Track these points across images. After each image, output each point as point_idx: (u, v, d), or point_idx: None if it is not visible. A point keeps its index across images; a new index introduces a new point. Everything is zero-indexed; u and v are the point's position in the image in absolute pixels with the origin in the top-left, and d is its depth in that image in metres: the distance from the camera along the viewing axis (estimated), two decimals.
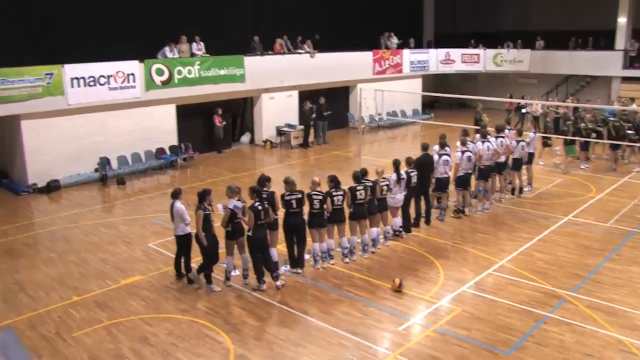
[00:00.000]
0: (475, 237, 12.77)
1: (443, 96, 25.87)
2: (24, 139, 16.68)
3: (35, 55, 17.02)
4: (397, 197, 12.33)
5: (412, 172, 12.60)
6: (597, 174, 17.87)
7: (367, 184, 11.54)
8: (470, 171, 13.88)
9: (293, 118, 23.87)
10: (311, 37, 24.32)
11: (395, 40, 28.07)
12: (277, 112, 23.39)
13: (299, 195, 10.71)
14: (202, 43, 20.56)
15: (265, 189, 10.69)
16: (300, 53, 23.82)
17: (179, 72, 19.46)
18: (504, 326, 9.12)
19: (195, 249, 10.44)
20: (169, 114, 19.88)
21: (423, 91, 29.06)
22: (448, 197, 14.11)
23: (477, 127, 16.10)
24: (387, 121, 27.01)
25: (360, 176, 11.55)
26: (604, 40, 28.17)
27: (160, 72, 19.02)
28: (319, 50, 24.42)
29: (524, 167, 15.64)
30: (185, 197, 10.53)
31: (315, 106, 23.42)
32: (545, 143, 18.92)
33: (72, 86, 16.92)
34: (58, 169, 17.30)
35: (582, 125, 18.21)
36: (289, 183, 10.72)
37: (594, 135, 18.08)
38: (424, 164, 13.08)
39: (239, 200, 10.24)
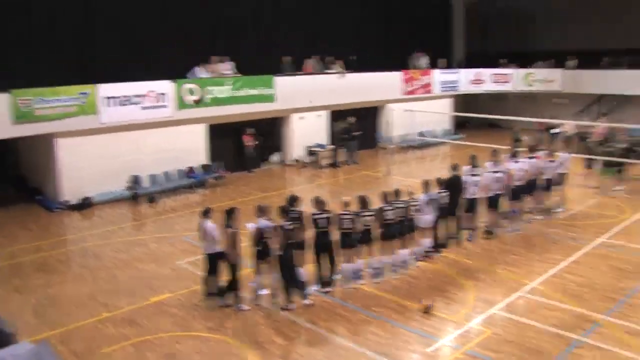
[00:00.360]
0: (506, 258, 12.65)
1: (473, 116, 25.72)
2: (58, 156, 17.03)
3: (69, 75, 17.34)
4: (427, 217, 12.27)
5: (443, 192, 12.55)
6: (632, 195, 17.62)
7: (398, 205, 11.52)
8: (500, 192, 13.75)
9: (323, 138, 24.01)
10: (346, 57, 24.55)
11: (425, 60, 28.13)
12: (307, 131, 23.51)
13: (328, 215, 10.72)
14: (231, 63, 20.94)
15: (294, 208, 10.72)
16: (330, 73, 23.89)
17: (210, 92, 19.73)
18: (534, 349, 8.97)
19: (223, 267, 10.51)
20: (200, 133, 20.06)
21: (453, 111, 29.03)
22: (478, 218, 14.01)
23: (516, 148, 16.03)
24: (417, 141, 26.92)
25: (387, 196, 11.55)
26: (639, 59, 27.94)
27: (191, 92, 19.28)
28: (350, 70, 24.55)
29: (555, 187, 15.50)
30: (214, 216, 10.61)
31: (346, 126, 23.74)
32: (589, 165, 18.59)
33: (106, 105, 17.25)
34: (91, 187, 17.55)
35: (617, 146, 17.94)
36: (318, 202, 10.75)
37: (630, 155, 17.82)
38: (454, 185, 13.02)
39: (268, 219, 10.29)
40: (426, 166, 22.83)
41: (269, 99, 21.33)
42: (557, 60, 29.50)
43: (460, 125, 32.97)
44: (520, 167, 14.16)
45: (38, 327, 9.78)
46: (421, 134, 27.67)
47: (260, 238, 10.15)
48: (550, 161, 15.02)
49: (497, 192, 13.74)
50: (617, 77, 27.90)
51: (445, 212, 12.83)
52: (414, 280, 11.49)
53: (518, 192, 14.19)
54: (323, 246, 10.77)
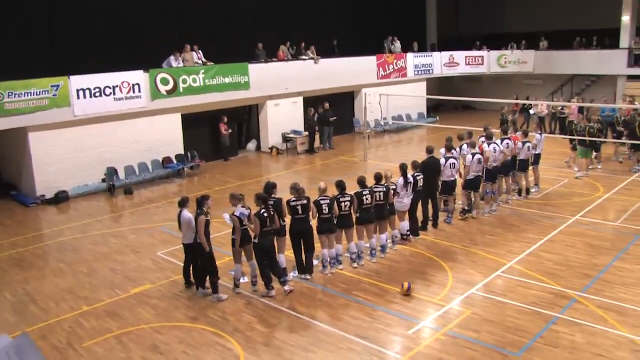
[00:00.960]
0: (483, 239, 12.74)
1: (448, 99, 25.88)
2: (32, 150, 16.72)
3: (41, 68, 17.02)
4: (404, 201, 12.34)
5: (418, 175, 12.60)
6: (605, 173, 17.84)
7: (376, 189, 11.57)
8: (479, 174, 13.90)
9: (298, 124, 23.92)
10: (324, 42, 24.40)
11: (398, 44, 28.05)
12: (283, 118, 23.43)
13: (305, 202, 10.71)
14: (200, 52, 20.30)
15: (271, 195, 10.72)
16: (304, 59, 23.88)
17: (184, 81, 19.45)
18: (513, 328, 9.07)
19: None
20: (175, 122, 19.84)
21: (428, 94, 29.08)
22: (455, 199, 14.10)
23: (504, 129, 16.13)
24: (393, 125, 26.97)
25: (364, 182, 11.59)
26: (608, 39, 28.15)
27: (165, 82, 19.02)
28: (327, 55, 24.56)
29: (530, 168, 15.66)
30: (191, 205, 10.56)
31: (321, 112, 23.43)
32: (574, 147, 18.39)
33: (78, 97, 16.95)
34: (66, 180, 17.31)
35: (589, 124, 18.11)
36: (295, 189, 10.75)
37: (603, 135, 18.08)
38: (430, 167, 13.10)
39: (243, 207, 10.28)
40: (402, 150, 22.84)
41: (244, 86, 21.18)
42: (530, 41, 29.65)
43: (435, 108, 33.07)
44: (495, 148, 14.28)
45: (17, 324, 9.67)
46: (397, 118, 27.78)
47: (239, 226, 10.15)
48: (525, 142, 15.14)
49: (477, 174, 13.82)
50: (588, 57, 28.30)
51: (422, 195, 12.88)
52: (394, 264, 11.49)
53: (494, 174, 14.31)
54: (300, 233, 10.78)
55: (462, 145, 14.42)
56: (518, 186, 15.55)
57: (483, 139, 14.49)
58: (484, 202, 14.40)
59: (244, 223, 10.14)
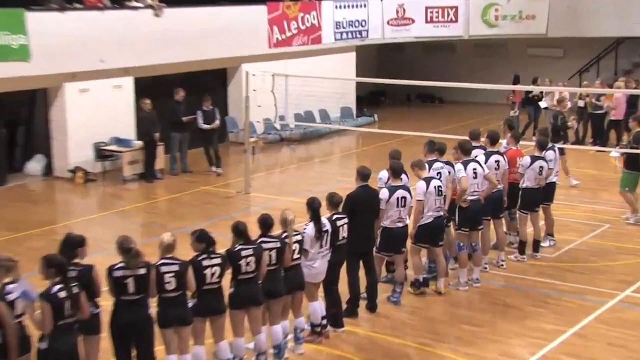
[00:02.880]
0: (457, 332, 12.88)
1: (395, 84, 26.12)
2: None
3: None
4: (317, 265, 12.30)
5: (340, 219, 12.68)
6: None
7: (266, 245, 11.52)
8: (440, 214, 14.09)
9: (126, 128, 23.89)
10: None
11: None
12: (96, 117, 23.33)
13: (142, 272, 10.47)
14: None
15: (74, 260, 10.47)
16: (135, 7, 23.79)
17: None
18: None
19: None
20: None
21: (359, 75, 29.34)
22: (407, 261, 14.31)
23: (515, 137, 16.29)
24: (297, 130, 27.18)
25: (245, 231, 11.44)
26: None
27: None
28: (168, 2, 24.34)
29: (539, 206, 16.07)
30: None
31: (170, 106, 23.47)
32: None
33: None
34: None
35: None
36: (124, 250, 10.43)
37: None
38: (362, 205, 13.15)
39: (16, 282, 9.95)
40: (313, 174, 23.21)
41: (18, 54, 20.76)
42: None
43: (373, 101, 33.47)
44: (475, 169, 14.47)
45: None
46: (304, 117, 27.90)
47: (9, 320, 9.74)
48: (535, 158, 15.54)
49: (437, 215, 14.02)
50: None
51: (349, 253, 12.97)
52: None
53: (473, 215, 14.53)
54: (131, 325, 10.49)
55: (435, 165, 14.60)
56: (518, 237, 15.95)
57: (460, 152, 14.80)
58: (457, 265, 14.66)
59: (21, 313, 9.79)
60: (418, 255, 14.26)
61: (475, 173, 14.48)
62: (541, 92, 25.64)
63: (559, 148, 17.59)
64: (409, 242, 14.20)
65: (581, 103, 25.19)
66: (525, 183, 15.54)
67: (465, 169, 14.39)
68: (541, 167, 15.53)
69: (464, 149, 14.78)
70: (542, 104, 25.73)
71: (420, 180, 13.90)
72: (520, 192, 15.63)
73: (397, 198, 13.54)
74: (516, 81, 26.60)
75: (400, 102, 34.04)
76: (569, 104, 24.36)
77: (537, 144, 15.98)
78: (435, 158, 14.65)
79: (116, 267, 10.58)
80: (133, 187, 22.44)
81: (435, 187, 13.89)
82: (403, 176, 13.95)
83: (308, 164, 24.96)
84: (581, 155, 21.74)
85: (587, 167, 22.15)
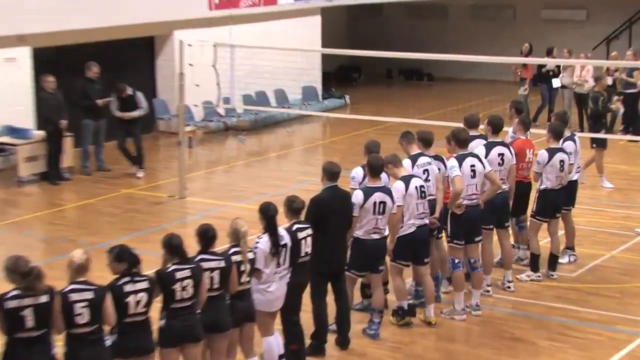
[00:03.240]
0: None
1: (371, 56, 25.99)
2: None
3: None
4: (273, 288, 12.09)
5: (302, 229, 12.49)
6: None
7: (207, 264, 11.27)
8: (425, 221, 13.97)
9: (22, 114, 23.81)
10: None
11: None
12: None
13: (44, 299, 10.24)
14: None
15: None
16: None
17: None
18: None
19: None
20: None
21: (326, 45, 29.77)
22: (386, 283, 14.17)
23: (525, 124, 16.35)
24: (247, 116, 27.05)
25: (180, 247, 11.18)
26: None
27: None
28: None
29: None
30: None
31: (80, 84, 23.29)
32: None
33: None
34: None
35: None
36: (21, 274, 10.21)
37: None
38: (329, 212, 12.99)
39: None
40: (267, 172, 23.80)
41: None
42: None
43: (343, 78, 33.45)
44: (473, 166, 14.29)
45: None
46: (256, 100, 27.74)
47: None
48: (555, 150, 15.56)
49: (420, 223, 13.91)
50: None
51: (315, 273, 12.90)
52: None
53: (470, 223, 14.40)
54: None
55: (420, 160, 14.41)
56: (529, 251, 15.89)
57: (454, 143, 14.53)
58: (451, 287, 14.56)
59: None
60: (400, 276, 14.01)
61: (473, 171, 14.25)
62: (557, 67, 25.57)
63: (597, 140, 17.46)
64: (389, 258, 14.05)
65: (609, 80, 24.93)
66: (544, 184, 15.48)
67: (460, 165, 14.15)
68: (562, 161, 15.42)
69: (460, 140, 14.48)
70: (556, 81, 25.69)
71: (396, 180, 13.77)
72: (537, 195, 15.60)
73: (375, 203, 13.31)
74: (528, 52, 26.44)
75: (378, 79, 34.19)
76: (609, 80, 24.23)
77: (552, 132, 15.73)
78: (419, 152, 14.45)
79: (9, 295, 10.27)
80: (32, 190, 22.14)
81: (416, 187, 13.74)
82: (383, 175, 13.79)
83: (261, 159, 24.97)
84: (609, 145, 21.54)
85: (616, 162, 22.17)
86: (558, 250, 16.01)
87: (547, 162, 15.30)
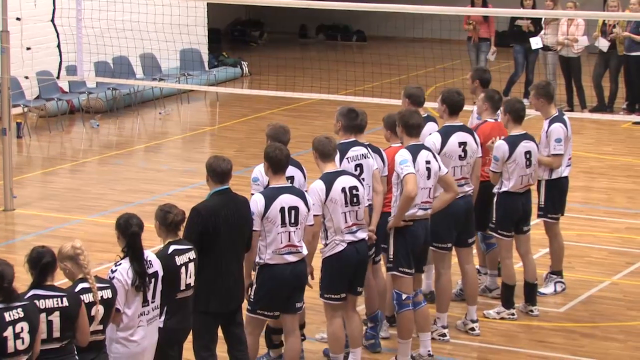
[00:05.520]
0: None
1: (278, 5, 26.02)
2: None
3: None
4: (138, 337, 12.08)
5: (181, 251, 12.59)
6: None
7: (50, 301, 11.25)
8: (363, 236, 14.18)
9: None
10: None
11: None
12: None
13: None
14: None
15: None
16: None
17: None
18: None
19: None
20: None
21: None
22: (302, 326, 14.42)
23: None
24: (101, 91, 27.18)
25: (5, 279, 11.17)
26: None
27: None
28: None
29: (535, 218, 16.64)
30: None
31: None
32: None
33: None
34: None
35: None
36: None
37: None
38: (220, 227, 13.22)
39: None
40: (131, 171, 24.40)
41: None
42: None
43: (239, 38, 33.51)
44: (428, 160, 14.40)
45: None
46: (114, 70, 27.71)
47: None
48: (518, 139, 15.73)
49: (355, 239, 14.02)
50: None
51: (196, 314, 13.03)
52: None
53: (418, 240, 14.50)
54: None
55: (352, 150, 14.72)
56: (499, 277, 16.25)
57: (403, 130, 14.57)
58: (393, 331, 14.75)
59: None
60: (338, 317, 14.16)
61: (428, 169, 14.36)
62: (532, 21, 25.85)
63: None
64: (312, 291, 14.07)
65: (601, 43, 25.35)
66: (504, 185, 15.68)
67: (414, 160, 14.19)
68: (527, 152, 15.69)
69: (410, 126, 14.50)
70: (535, 41, 25.86)
71: (318, 178, 13.79)
72: (495, 201, 15.85)
73: (282, 209, 13.48)
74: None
75: (288, 40, 34.20)
76: (585, 41, 24.54)
77: (510, 112, 15.85)
78: (352, 139, 14.58)
79: None
80: None
81: (344, 189, 13.90)
82: (294, 171, 13.86)
83: (123, 154, 24.84)
84: (607, 129, 21.75)
85: (618, 152, 22.24)
86: (534, 276, 16.16)
87: (509, 157, 15.46)
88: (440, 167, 14.44)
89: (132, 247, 12.24)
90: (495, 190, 15.66)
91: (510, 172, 15.43)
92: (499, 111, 16.31)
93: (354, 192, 13.68)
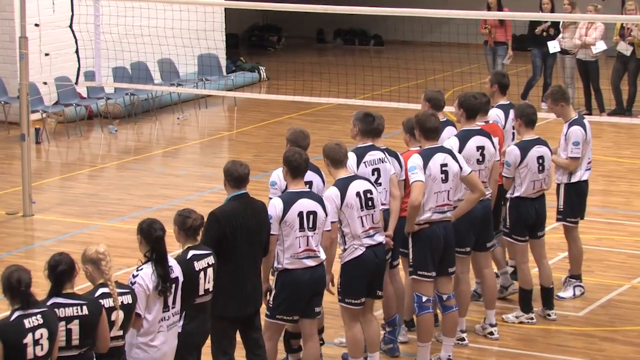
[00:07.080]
0: None
1: (296, 11, 26.07)
2: None
3: None
4: (158, 342, 11.98)
5: (200, 257, 12.54)
6: None
7: (69, 309, 11.18)
8: (381, 240, 14.09)
9: None
10: None
11: None
12: None
13: None
14: None
15: None
16: None
17: None
18: None
19: None
20: None
21: None
22: (321, 330, 14.30)
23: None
24: (119, 97, 27.17)
25: (21, 286, 11.13)
26: None
27: None
28: None
29: (554, 221, 16.59)
30: None
31: None
32: None
33: None
34: None
35: None
36: None
37: None
38: (238, 232, 13.18)
39: None
40: (150, 177, 24.10)
41: None
42: None
43: (257, 43, 33.46)
44: (443, 168, 14.30)
45: None
46: (132, 76, 27.68)
47: None
48: (530, 144, 15.72)
49: (374, 242, 13.95)
50: None
51: (214, 319, 12.95)
52: None
53: (436, 244, 14.42)
54: None
55: (369, 155, 14.59)
56: (506, 273, 16.46)
57: (420, 133, 14.48)
58: (412, 335, 14.76)
59: None
60: (356, 322, 14.05)
61: (445, 172, 14.24)
62: (549, 26, 25.79)
63: None
64: (331, 296, 14.08)
65: (622, 46, 25.27)
66: (517, 190, 15.69)
67: (426, 165, 14.16)
68: (540, 157, 15.67)
69: (428, 129, 14.39)
70: (553, 45, 25.78)
71: (332, 185, 13.79)
72: (508, 206, 15.89)
73: (301, 213, 13.42)
74: (498, 3, 26.51)
75: (305, 44, 34.14)
76: (601, 46, 24.47)
77: (522, 117, 15.94)
78: (369, 144, 14.52)
79: None
80: None
81: (359, 193, 13.81)
82: (312, 176, 13.80)
83: (141, 159, 24.79)
84: (626, 132, 21.71)
85: (636, 156, 22.21)
86: (550, 280, 16.13)
87: (520, 162, 15.45)
88: (462, 168, 14.34)
89: (156, 251, 12.24)
90: (508, 195, 15.72)
91: (523, 177, 15.42)
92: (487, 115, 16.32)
93: (369, 195, 13.62)
